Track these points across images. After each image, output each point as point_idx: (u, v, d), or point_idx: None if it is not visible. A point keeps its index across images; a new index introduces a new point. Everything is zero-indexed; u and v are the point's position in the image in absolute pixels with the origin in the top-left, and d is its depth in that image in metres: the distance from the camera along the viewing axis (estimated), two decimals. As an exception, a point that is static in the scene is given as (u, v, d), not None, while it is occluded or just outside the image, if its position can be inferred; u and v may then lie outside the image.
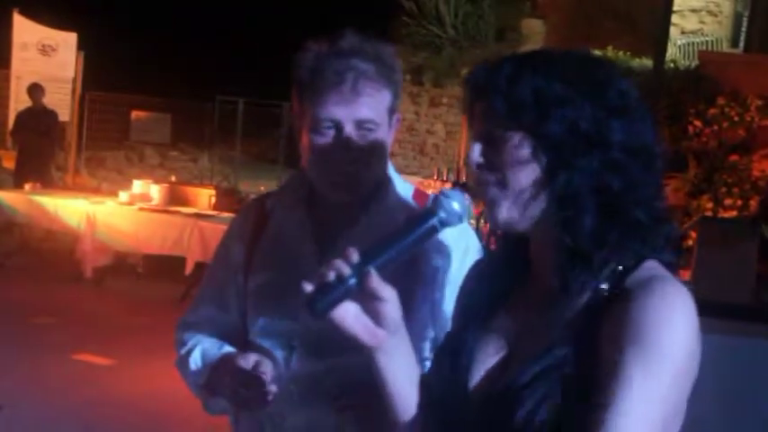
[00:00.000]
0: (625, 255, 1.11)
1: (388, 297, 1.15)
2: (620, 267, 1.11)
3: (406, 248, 1.16)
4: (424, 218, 1.17)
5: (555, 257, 1.14)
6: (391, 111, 1.62)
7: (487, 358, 1.21)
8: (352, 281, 1.11)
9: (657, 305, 1.04)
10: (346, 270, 1.12)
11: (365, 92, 1.55)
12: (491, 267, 1.30)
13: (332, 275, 1.12)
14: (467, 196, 1.20)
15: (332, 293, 1.12)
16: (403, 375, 1.21)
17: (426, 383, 1.24)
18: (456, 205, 1.16)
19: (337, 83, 1.54)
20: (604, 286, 1.11)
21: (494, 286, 1.27)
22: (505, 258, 1.27)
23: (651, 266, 1.11)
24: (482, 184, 1.18)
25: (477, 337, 1.23)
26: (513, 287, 1.26)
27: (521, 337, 1.19)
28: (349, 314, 1.14)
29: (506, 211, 1.16)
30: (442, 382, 1.22)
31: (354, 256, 1.13)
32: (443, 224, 1.17)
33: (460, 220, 1.17)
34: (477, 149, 1.17)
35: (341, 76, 1.54)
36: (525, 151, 1.13)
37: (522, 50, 1.24)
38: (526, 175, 1.14)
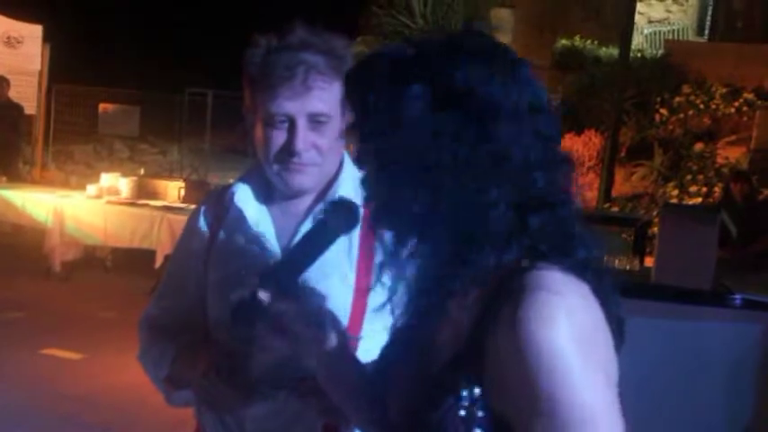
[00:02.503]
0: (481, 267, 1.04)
1: (299, 311, 1.18)
2: (511, 271, 1.03)
3: (311, 257, 1.21)
4: (324, 225, 1.21)
5: None
6: (344, 102, 1.62)
7: (404, 364, 1.17)
8: (259, 299, 1.18)
9: (526, 328, 0.96)
10: (256, 289, 1.18)
11: (316, 85, 1.56)
12: None
13: (245, 294, 1.19)
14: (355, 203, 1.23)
15: (245, 314, 1.19)
16: (342, 380, 1.21)
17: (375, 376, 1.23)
18: (352, 209, 1.20)
19: (288, 77, 1.55)
20: (488, 295, 1.04)
21: None
22: None
23: (532, 273, 1.02)
24: None
25: (403, 337, 1.21)
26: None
27: (417, 341, 1.15)
28: (273, 329, 1.19)
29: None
30: (373, 380, 1.22)
31: (265, 274, 1.19)
32: (344, 228, 1.21)
33: (357, 221, 1.22)
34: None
35: (291, 71, 1.55)
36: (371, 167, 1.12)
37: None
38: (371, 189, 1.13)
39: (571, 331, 0.96)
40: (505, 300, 1.00)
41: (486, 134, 1.01)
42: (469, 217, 1.02)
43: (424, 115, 1.01)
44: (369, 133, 1.07)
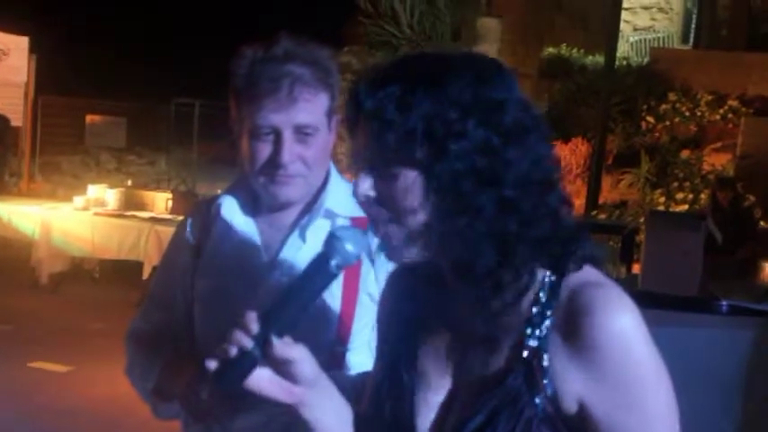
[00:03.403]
0: (532, 282, 1.05)
1: (297, 357, 1.09)
2: (550, 278, 1.05)
3: (306, 301, 1.11)
4: (319, 266, 1.11)
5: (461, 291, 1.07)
6: (330, 114, 1.64)
7: (430, 396, 1.13)
8: (256, 352, 1.06)
9: (604, 323, 0.99)
10: (248, 343, 1.05)
11: (302, 97, 1.56)
12: (413, 282, 1.20)
13: (234, 350, 1.06)
14: (360, 230, 1.14)
15: (237, 368, 1.07)
16: (331, 423, 1.15)
17: (366, 424, 1.17)
18: (349, 246, 1.10)
19: (273, 89, 1.54)
20: (537, 307, 1.04)
21: (416, 307, 1.17)
22: (428, 273, 1.16)
23: (577, 274, 1.05)
24: (375, 219, 1.09)
25: (413, 371, 1.15)
26: (439, 306, 1.15)
27: (461, 367, 1.11)
28: (263, 380, 1.09)
29: (408, 250, 1.08)
30: (384, 426, 1.15)
31: (254, 326, 1.06)
32: (340, 267, 1.11)
33: (357, 257, 1.12)
34: (365, 182, 1.07)
35: (276, 83, 1.54)
36: (419, 191, 1.03)
37: (412, 54, 1.10)
38: (421, 216, 1.04)
39: (637, 318, 1.01)
40: (561, 302, 1.03)
41: (539, 156, 1.04)
42: (511, 230, 1.02)
43: (461, 131, 1.01)
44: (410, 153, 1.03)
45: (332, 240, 1.11)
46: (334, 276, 1.11)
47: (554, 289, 1.04)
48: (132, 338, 1.83)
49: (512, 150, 1.01)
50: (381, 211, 1.07)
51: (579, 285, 1.03)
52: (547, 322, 1.03)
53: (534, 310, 1.04)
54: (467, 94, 1.01)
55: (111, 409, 5.00)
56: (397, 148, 1.02)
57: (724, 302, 3.84)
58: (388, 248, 1.09)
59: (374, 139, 1.04)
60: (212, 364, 1.06)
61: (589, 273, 1.05)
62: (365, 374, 1.35)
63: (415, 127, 1.01)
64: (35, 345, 6.39)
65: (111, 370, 5.47)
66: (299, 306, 1.10)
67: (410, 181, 1.03)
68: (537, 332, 1.03)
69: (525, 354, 1.03)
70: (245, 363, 1.06)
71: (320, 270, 1.10)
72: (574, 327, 1.00)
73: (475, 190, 1.00)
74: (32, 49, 12.10)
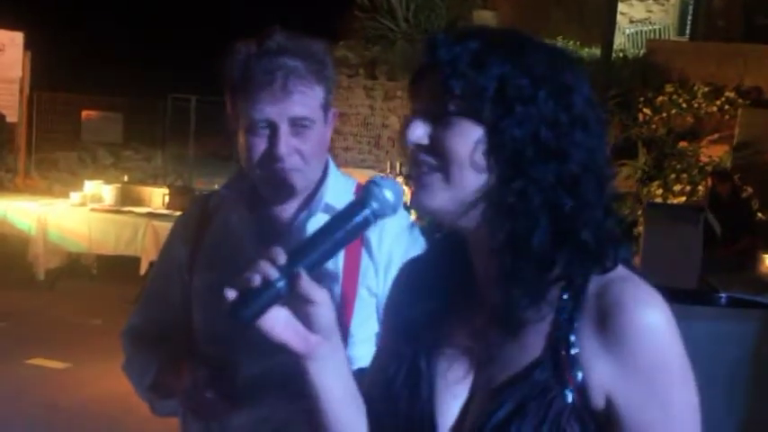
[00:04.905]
0: (574, 273, 1.03)
1: (320, 300, 1.03)
2: (579, 278, 1.04)
3: (337, 245, 1.06)
4: (354, 210, 1.06)
5: (497, 271, 1.04)
6: (325, 107, 1.63)
7: (452, 387, 1.09)
8: (281, 284, 1.00)
9: (634, 318, 0.99)
10: (273, 273, 1.00)
11: (296, 90, 1.55)
12: (428, 273, 1.16)
13: (257, 280, 1.00)
14: (401, 184, 1.11)
15: (258, 300, 1.00)
16: (336, 387, 1.08)
17: (377, 417, 1.12)
18: (388, 194, 1.07)
19: (267, 83, 1.54)
20: (566, 298, 1.03)
21: (435, 296, 1.14)
22: (445, 261, 1.14)
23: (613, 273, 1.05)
24: (419, 166, 1.06)
25: (432, 361, 1.11)
26: (458, 296, 1.12)
27: (485, 357, 1.08)
28: (279, 321, 1.02)
29: (440, 201, 1.05)
30: (399, 417, 1.10)
31: (281, 258, 1.01)
32: (376, 216, 1.06)
33: (394, 210, 1.08)
34: (419, 128, 1.05)
35: (270, 76, 1.54)
36: (479, 148, 1.02)
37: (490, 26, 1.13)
38: (474, 175, 1.03)
39: (668, 315, 1.00)
40: (590, 294, 1.02)
41: (597, 148, 1.05)
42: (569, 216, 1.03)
43: (535, 106, 1.02)
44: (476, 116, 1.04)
45: (371, 187, 1.07)
46: (367, 224, 1.06)
47: (583, 285, 1.03)
48: (129, 334, 1.82)
49: (578, 133, 1.03)
50: (430, 159, 1.05)
51: (609, 279, 1.02)
52: (576, 313, 1.02)
53: (565, 296, 1.03)
54: (542, 68, 1.03)
55: (109, 407, 4.99)
56: (464, 101, 1.03)
57: (723, 294, 3.85)
58: (419, 195, 1.06)
59: (440, 86, 1.03)
60: (231, 294, 1.00)
61: (618, 268, 1.05)
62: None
63: (487, 86, 1.02)
64: (32, 341, 6.38)
65: (110, 367, 5.43)
66: (327, 248, 1.05)
67: (471, 134, 1.03)
68: (566, 322, 1.02)
69: (554, 344, 1.02)
70: (268, 295, 1.00)
71: (355, 215, 1.06)
72: (604, 320, 1.00)
73: (536, 159, 1.01)
74: (27, 44, 12.05)
